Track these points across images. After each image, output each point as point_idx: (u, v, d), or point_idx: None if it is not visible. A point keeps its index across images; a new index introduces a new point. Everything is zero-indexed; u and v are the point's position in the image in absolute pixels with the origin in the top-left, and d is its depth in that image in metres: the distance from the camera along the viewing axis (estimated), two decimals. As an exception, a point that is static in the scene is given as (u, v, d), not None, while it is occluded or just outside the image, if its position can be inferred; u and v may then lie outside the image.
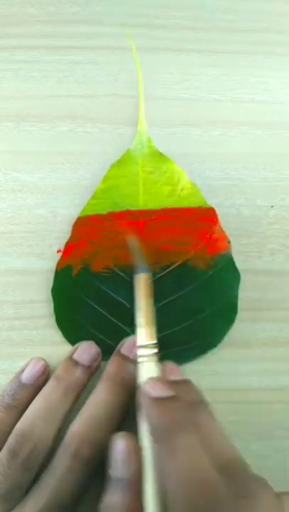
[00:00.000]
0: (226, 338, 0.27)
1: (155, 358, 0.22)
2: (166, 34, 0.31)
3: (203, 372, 0.28)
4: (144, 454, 0.20)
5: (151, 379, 0.21)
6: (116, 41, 0.30)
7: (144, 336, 0.22)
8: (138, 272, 0.24)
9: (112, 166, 0.29)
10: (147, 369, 0.22)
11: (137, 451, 0.20)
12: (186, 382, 0.23)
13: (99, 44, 0.30)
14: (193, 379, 0.27)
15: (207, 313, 0.27)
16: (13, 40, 0.30)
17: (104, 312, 0.27)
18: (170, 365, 0.25)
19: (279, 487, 0.27)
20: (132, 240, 0.26)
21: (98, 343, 0.26)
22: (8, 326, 0.28)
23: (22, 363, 0.27)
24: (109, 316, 0.27)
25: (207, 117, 0.30)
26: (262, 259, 0.29)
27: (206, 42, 0.31)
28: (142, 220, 0.28)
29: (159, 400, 0.20)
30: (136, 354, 0.23)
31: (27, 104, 0.30)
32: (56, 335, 0.28)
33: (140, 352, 0.22)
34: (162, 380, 0.21)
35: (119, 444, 0.21)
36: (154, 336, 0.22)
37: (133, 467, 0.20)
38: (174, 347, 0.27)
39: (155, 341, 0.22)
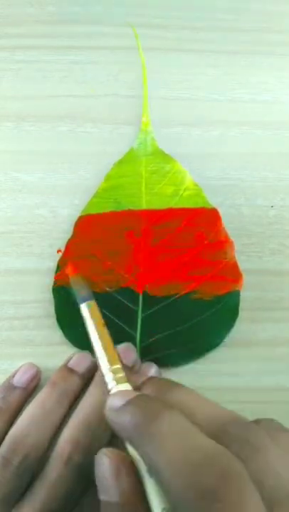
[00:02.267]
0: (226, 338, 0.27)
1: (124, 381, 0.20)
2: (166, 34, 0.31)
3: (203, 372, 0.28)
4: (138, 467, 0.17)
5: (112, 395, 0.19)
6: (116, 41, 0.30)
7: (107, 360, 0.20)
8: (82, 301, 0.22)
9: (115, 165, 0.29)
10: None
11: (126, 467, 0.17)
12: (149, 378, 0.21)
13: (99, 44, 0.30)
14: (194, 379, 0.27)
15: (207, 314, 0.27)
16: (13, 40, 0.30)
17: (105, 312, 0.27)
18: (122, 347, 0.25)
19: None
20: (73, 275, 0.25)
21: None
22: (8, 326, 0.28)
23: (22, 363, 0.27)
24: (111, 316, 0.27)
25: (207, 117, 0.30)
26: (262, 259, 0.29)
27: (206, 42, 0.31)
28: (144, 220, 0.28)
29: (124, 405, 0.18)
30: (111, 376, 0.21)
31: (27, 104, 0.30)
32: (56, 335, 0.28)
33: (108, 378, 0.20)
34: (123, 391, 0.19)
35: (104, 462, 0.17)
36: (117, 359, 0.20)
37: (124, 486, 0.17)
38: (173, 348, 0.27)
39: (119, 365, 0.20)
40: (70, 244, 0.28)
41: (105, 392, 0.20)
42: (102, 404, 0.22)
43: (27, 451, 0.22)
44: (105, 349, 0.21)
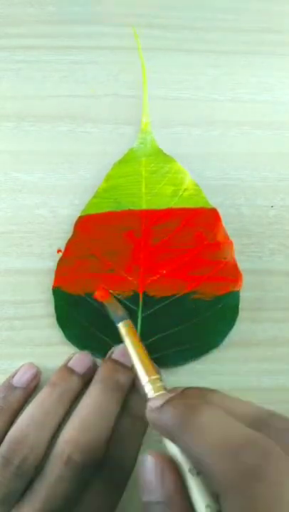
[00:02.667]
0: (226, 339, 0.27)
1: (162, 389, 0.21)
2: (166, 34, 0.31)
3: (203, 372, 0.28)
4: (180, 467, 0.18)
5: (151, 398, 0.20)
6: (116, 41, 0.30)
7: (145, 372, 0.22)
8: (118, 321, 0.25)
9: (115, 165, 0.29)
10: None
11: (170, 467, 0.18)
12: (187, 388, 0.22)
13: (99, 44, 0.30)
14: (194, 379, 0.27)
15: (207, 314, 0.27)
16: (13, 40, 0.30)
17: (105, 312, 0.27)
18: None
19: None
20: (105, 299, 0.27)
21: (100, 342, 0.26)
22: (8, 326, 0.28)
23: (22, 363, 0.27)
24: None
25: (207, 117, 0.30)
26: (262, 259, 0.29)
27: (206, 42, 0.31)
28: (144, 220, 0.28)
29: (165, 404, 0.19)
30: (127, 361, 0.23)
31: (27, 104, 0.30)
32: (56, 335, 0.28)
33: (147, 388, 0.21)
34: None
35: (149, 463, 0.18)
36: (155, 370, 0.22)
37: (169, 487, 0.17)
38: (173, 348, 0.27)
39: (157, 376, 0.22)
40: (70, 244, 0.28)
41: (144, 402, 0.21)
42: (101, 404, 0.22)
43: (27, 451, 0.22)
44: (142, 362, 0.22)
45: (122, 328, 0.24)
